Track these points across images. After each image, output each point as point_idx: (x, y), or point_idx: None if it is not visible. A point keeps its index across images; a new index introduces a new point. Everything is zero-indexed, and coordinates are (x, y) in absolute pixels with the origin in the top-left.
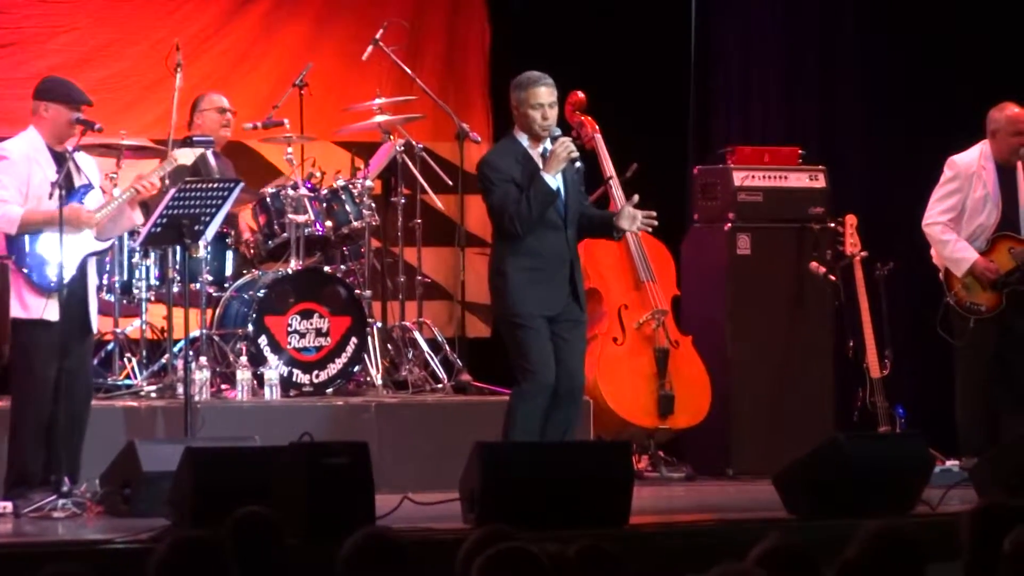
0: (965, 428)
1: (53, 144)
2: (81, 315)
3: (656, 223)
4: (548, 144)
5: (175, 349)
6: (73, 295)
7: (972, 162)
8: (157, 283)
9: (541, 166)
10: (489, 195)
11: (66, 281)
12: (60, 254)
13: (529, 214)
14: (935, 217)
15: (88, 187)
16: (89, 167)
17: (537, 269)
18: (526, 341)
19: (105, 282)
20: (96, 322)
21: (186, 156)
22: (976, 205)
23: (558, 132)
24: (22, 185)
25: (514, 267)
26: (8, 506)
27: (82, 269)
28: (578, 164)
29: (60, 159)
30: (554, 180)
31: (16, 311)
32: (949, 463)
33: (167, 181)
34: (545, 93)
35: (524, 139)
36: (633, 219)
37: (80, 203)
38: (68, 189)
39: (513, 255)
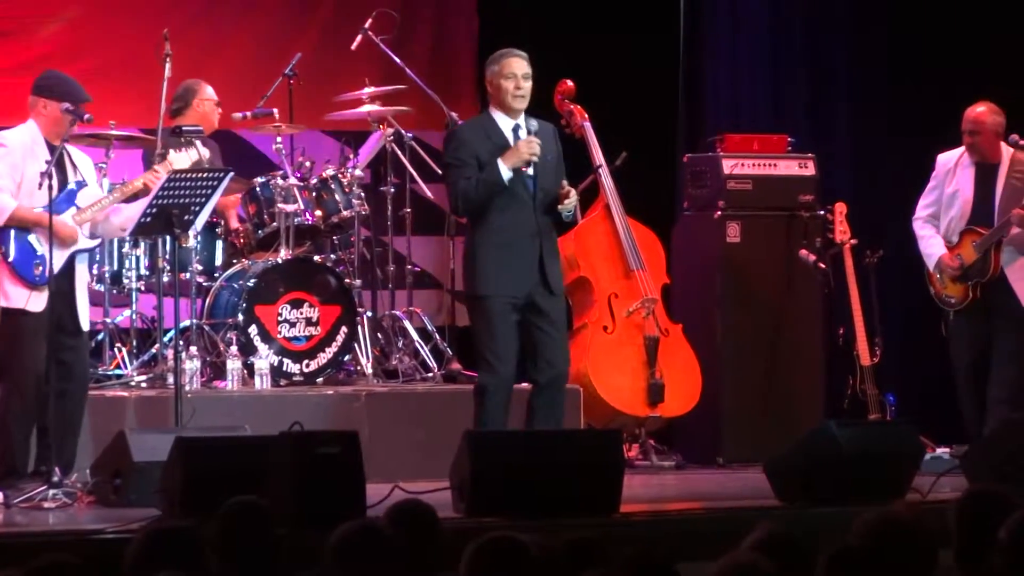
0: (964, 416)
1: (52, 139)
2: (70, 311)
3: (570, 204)
4: (522, 121)
5: (165, 339)
6: (60, 291)
7: (950, 159)
8: (147, 273)
9: (512, 143)
10: (447, 167)
11: (49, 277)
12: (49, 247)
13: (475, 197)
14: (917, 212)
15: (82, 183)
16: (85, 164)
17: (505, 245)
18: (491, 329)
19: (95, 272)
20: (87, 321)
21: (182, 161)
22: (948, 201)
23: (535, 126)
24: (16, 175)
25: (484, 244)
26: None
27: (69, 265)
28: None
29: (57, 153)
30: (508, 171)
31: None
32: (939, 450)
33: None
34: (518, 63)
35: (498, 115)
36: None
37: (74, 204)
38: (61, 183)
39: (480, 230)
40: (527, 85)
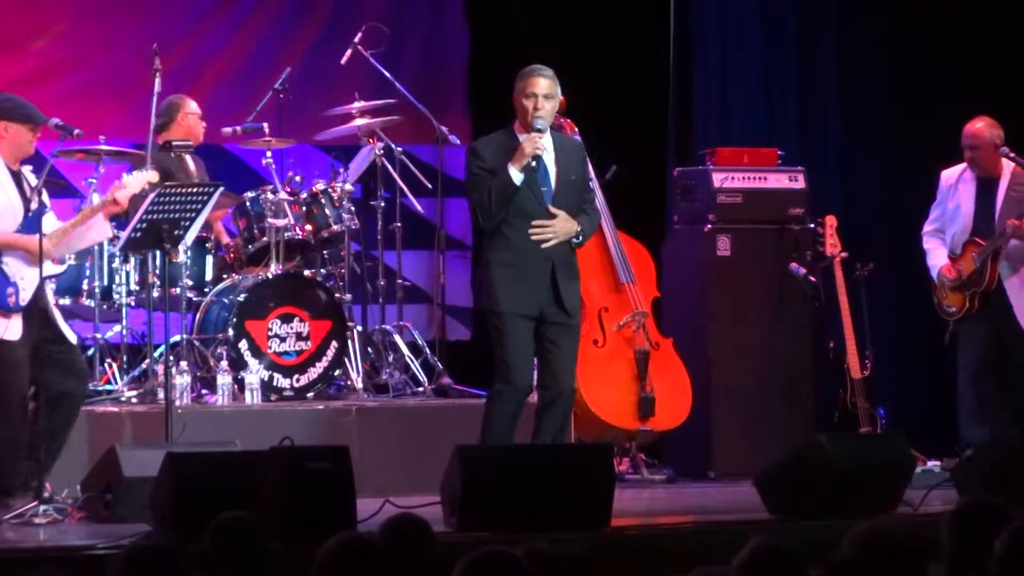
0: (960, 419)
1: (10, 163)
2: (50, 328)
3: (540, 233)
4: (547, 140)
5: (155, 354)
6: (31, 316)
7: (952, 175)
8: (137, 288)
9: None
10: (466, 182)
11: (24, 304)
12: (39, 270)
13: (489, 205)
14: (924, 227)
15: (44, 209)
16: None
17: (515, 264)
18: (506, 340)
19: (85, 287)
20: (71, 333)
21: (134, 185)
22: (951, 216)
23: (540, 126)
24: None
25: (495, 260)
26: None
27: (39, 291)
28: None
29: (17, 178)
30: (519, 174)
31: None
32: (930, 463)
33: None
34: (541, 84)
35: (519, 131)
36: None
37: (39, 231)
38: (26, 209)
39: (493, 246)
40: (548, 106)
